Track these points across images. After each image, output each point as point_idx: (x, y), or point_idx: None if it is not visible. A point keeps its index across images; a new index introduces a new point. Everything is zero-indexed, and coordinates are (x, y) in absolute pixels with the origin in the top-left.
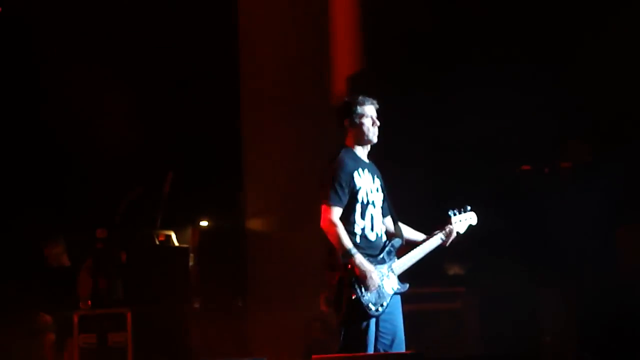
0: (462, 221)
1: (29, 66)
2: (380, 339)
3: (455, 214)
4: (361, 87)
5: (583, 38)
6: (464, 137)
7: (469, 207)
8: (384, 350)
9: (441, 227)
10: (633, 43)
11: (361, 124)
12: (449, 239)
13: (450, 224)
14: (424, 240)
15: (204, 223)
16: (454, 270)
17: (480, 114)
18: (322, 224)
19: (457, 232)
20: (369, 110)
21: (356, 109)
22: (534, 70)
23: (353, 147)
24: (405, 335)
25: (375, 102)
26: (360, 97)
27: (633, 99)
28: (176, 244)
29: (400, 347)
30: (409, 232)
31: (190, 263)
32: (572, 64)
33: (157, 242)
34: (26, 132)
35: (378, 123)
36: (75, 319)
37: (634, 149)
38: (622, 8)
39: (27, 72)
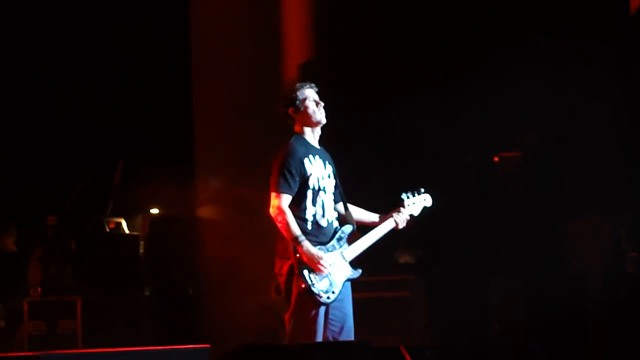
0: (416, 203)
1: None
2: (330, 326)
3: (408, 197)
4: (312, 76)
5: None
6: (415, 125)
7: (422, 190)
8: (333, 338)
9: (394, 210)
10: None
11: (305, 107)
12: (402, 221)
13: (404, 206)
14: (376, 224)
15: (154, 211)
16: (405, 258)
17: (432, 102)
18: (271, 211)
19: (411, 215)
20: (309, 93)
21: (296, 95)
22: (492, 60)
23: (303, 133)
24: (354, 322)
25: (313, 85)
26: (298, 84)
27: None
28: (127, 231)
29: (349, 334)
30: (362, 214)
31: (141, 251)
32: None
33: (108, 230)
34: None
35: (322, 103)
36: (25, 306)
37: (584, 140)
38: None
39: None
